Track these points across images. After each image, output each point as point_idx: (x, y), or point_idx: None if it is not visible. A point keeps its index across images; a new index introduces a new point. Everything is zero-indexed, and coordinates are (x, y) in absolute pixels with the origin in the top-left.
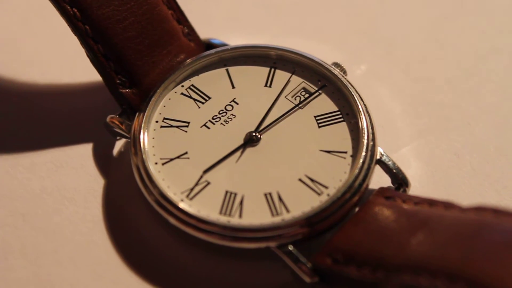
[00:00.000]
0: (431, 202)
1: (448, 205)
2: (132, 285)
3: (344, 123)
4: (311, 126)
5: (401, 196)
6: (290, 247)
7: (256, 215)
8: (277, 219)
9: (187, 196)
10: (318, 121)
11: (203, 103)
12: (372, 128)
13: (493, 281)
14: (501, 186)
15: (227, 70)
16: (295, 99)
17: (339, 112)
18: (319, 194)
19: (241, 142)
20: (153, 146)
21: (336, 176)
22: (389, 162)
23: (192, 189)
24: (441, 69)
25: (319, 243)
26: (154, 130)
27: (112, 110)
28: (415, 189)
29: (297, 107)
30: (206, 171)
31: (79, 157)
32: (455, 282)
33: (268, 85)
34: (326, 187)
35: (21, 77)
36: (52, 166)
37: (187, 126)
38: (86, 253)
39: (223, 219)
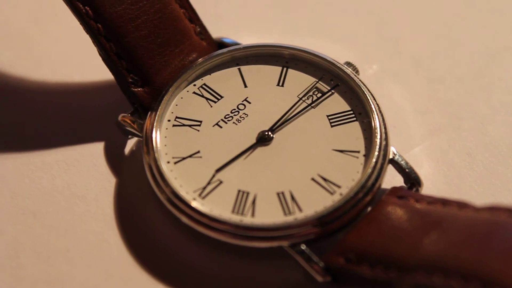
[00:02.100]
0: (445, 202)
1: (461, 205)
2: (143, 283)
3: (356, 123)
4: (323, 126)
5: (414, 195)
6: (303, 246)
7: (268, 214)
8: (289, 218)
9: (200, 195)
10: (331, 121)
11: (215, 102)
12: (385, 128)
13: (508, 280)
14: None
15: (239, 69)
16: (308, 99)
17: (351, 112)
18: (332, 194)
19: (254, 141)
20: (165, 145)
21: (349, 175)
22: (402, 162)
23: (204, 188)
24: (453, 67)
25: (331, 242)
26: (166, 129)
27: (123, 109)
28: (427, 189)
29: (309, 107)
30: (218, 170)
31: (91, 156)
32: (469, 282)
33: (280, 84)
34: (339, 187)
35: (33, 75)
36: (63, 164)
37: (199, 125)
38: (97, 252)
39: (236, 218)
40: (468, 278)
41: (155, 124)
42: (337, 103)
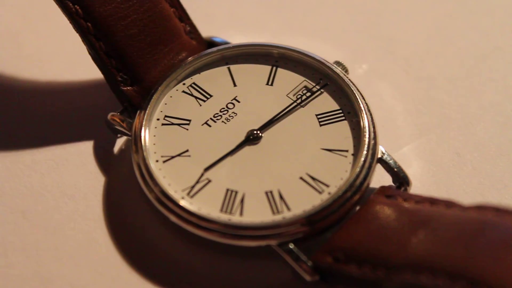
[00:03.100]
0: (432, 201)
1: (449, 204)
2: (132, 282)
3: (345, 122)
4: (312, 125)
5: (402, 195)
6: (291, 245)
7: (257, 213)
8: (278, 217)
9: (188, 194)
10: (320, 120)
11: (204, 101)
12: (374, 127)
13: (495, 280)
14: (502, 185)
15: (228, 68)
16: (297, 98)
17: (340, 111)
18: (320, 193)
19: (243, 140)
20: (154, 144)
21: (337, 174)
22: (390, 161)
23: (193, 187)
24: (443, 68)
25: (319, 241)
26: (155, 127)
27: (113, 108)
28: (416, 188)
29: (298, 106)
30: (207, 169)
31: (80, 155)
32: (456, 281)
33: (269, 83)
34: (327, 186)
35: (22, 74)
36: (52, 163)
37: (188, 124)
38: (86, 251)
39: (224, 217)
40: (455, 277)
41: (144, 123)
42: (326, 102)
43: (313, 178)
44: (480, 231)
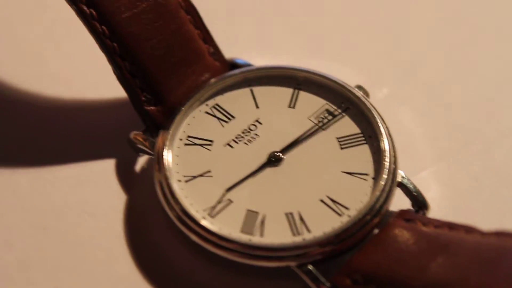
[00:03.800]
0: (451, 226)
1: (468, 229)
2: None
3: (366, 146)
4: (333, 148)
5: (421, 219)
6: (310, 267)
7: (277, 234)
8: (298, 239)
9: (209, 214)
10: (341, 143)
11: (227, 122)
12: (394, 151)
13: None
14: None
15: (251, 90)
16: (319, 121)
17: (361, 135)
18: (340, 215)
19: (264, 161)
20: (176, 164)
21: (357, 197)
22: (410, 185)
23: (214, 207)
24: (462, 93)
25: (338, 263)
26: (178, 147)
27: (135, 127)
28: (434, 212)
29: (320, 129)
30: (228, 189)
31: (102, 173)
32: None
33: (291, 106)
34: (347, 208)
35: (46, 92)
36: (74, 180)
37: (210, 145)
38: (106, 268)
39: (245, 238)
40: None
41: (167, 143)
42: (347, 126)
43: (333, 201)
44: (500, 258)
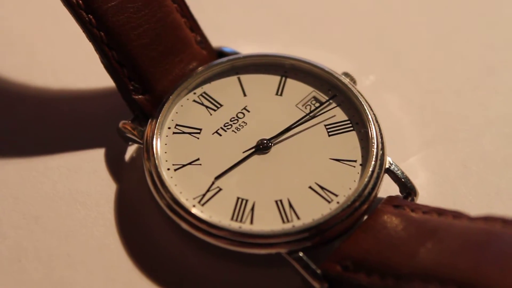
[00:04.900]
0: (440, 212)
1: (457, 215)
2: None
3: (354, 132)
4: (321, 135)
5: (410, 205)
6: (301, 254)
7: (267, 221)
8: (287, 226)
9: (199, 202)
10: (328, 130)
11: (215, 110)
12: (382, 138)
13: None
14: (508, 197)
15: (238, 78)
16: (306, 108)
17: (349, 121)
18: (329, 202)
19: (253, 149)
20: (165, 152)
21: (345, 184)
22: (398, 171)
23: (204, 195)
24: (450, 80)
25: (328, 250)
26: (167, 136)
27: (124, 116)
28: (422, 199)
29: (307, 116)
30: (217, 177)
31: (92, 162)
32: None
33: (279, 93)
34: (336, 195)
35: (35, 82)
36: (65, 170)
37: (199, 133)
38: (98, 257)
39: (235, 225)
40: (464, 287)
41: (155, 131)
42: (334, 113)
43: (322, 188)
44: (488, 242)
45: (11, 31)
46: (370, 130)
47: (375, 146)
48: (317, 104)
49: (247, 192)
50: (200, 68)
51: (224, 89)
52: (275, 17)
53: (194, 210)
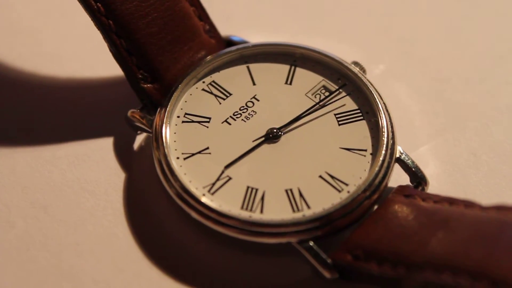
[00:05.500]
0: (451, 201)
1: (468, 204)
2: (152, 277)
3: (364, 121)
4: (331, 124)
5: (421, 194)
6: (311, 243)
7: (277, 210)
8: (298, 215)
9: (209, 191)
10: (338, 119)
11: (224, 99)
12: (392, 127)
13: None
14: None
15: (247, 67)
16: (316, 97)
17: (359, 111)
18: (339, 191)
19: (262, 138)
20: (174, 141)
21: (356, 173)
22: (408, 161)
23: (213, 184)
24: (459, 69)
25: (338, 239)
26: (176, 125)
27: (133, 105)
28: (432, 188)
29: (317, 105)
30: (227, 166)
31: (100, 151)
32: (479, 280)
33: (288, 82)
34: (346, 184)
35: (43, 71)
36: (73, 159)
37: (208, 122)
38: (107, 246)
39: (245, 214)
40: (476, 277)
41: (165, 120)
42: (344, 102)
43: (332, 177)
44: (500, 232)
45: (19, 20)
46: (381, 119)
47: (385, 136)
48: (327, 93)
49: (257, 181)
50: (209, 57)
51: (233, 78)
52: (283, 7)
53: (204, 199)
